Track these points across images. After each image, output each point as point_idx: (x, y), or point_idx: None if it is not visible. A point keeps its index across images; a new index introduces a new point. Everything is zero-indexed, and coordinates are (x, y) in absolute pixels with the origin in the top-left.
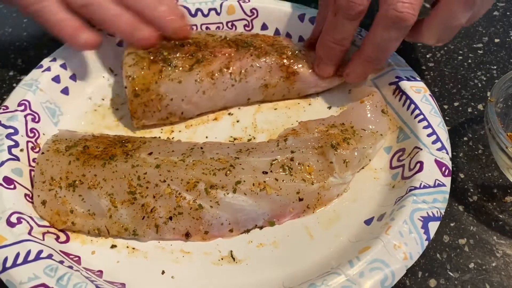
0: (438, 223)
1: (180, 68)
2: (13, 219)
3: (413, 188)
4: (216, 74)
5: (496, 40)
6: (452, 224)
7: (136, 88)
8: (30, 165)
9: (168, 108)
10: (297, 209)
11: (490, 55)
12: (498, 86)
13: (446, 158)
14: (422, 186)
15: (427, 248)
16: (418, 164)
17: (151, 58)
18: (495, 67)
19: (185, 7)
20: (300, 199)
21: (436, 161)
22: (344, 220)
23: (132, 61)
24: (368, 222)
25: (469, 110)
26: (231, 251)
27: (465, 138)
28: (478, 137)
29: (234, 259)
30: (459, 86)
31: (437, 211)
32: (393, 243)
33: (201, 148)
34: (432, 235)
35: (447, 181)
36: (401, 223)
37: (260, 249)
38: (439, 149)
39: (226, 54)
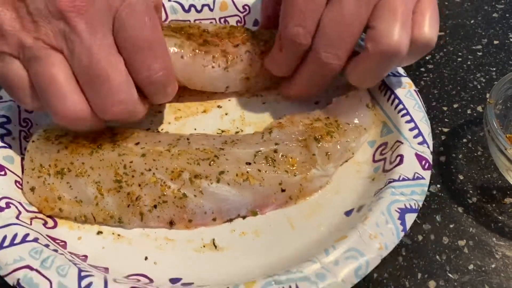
0: (415, 214)
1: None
2: (2, 203)
3: (392, 180)
4: (197, 51)
5: (495, 42)
6: (451, 226)
7: None
8: (21, 153)
9: None
10: (279, 200)
11: (489, 57)
12: (497, 88)
13: (426, 152)
14: (401, 179)
15: (426, 249)
16: (399, 158)
17: None
18: (494, 69)
19: (178, 2)
20: (283, 190)
21: (416, 154)
22: (326, 211)
23: None
24: (348, 213)
25: (468, 112)
26: (213, 239)
27: (464, 140)
28: (477, 139)
29: (216, 247)
30: (458, 88)
31: (414, 203)
32: (369, 233)
33: (187, 139)
34: (408, 226)
35: (427, 174)
36: (378, 214)
37: (242, 237)
38: (420, 143)
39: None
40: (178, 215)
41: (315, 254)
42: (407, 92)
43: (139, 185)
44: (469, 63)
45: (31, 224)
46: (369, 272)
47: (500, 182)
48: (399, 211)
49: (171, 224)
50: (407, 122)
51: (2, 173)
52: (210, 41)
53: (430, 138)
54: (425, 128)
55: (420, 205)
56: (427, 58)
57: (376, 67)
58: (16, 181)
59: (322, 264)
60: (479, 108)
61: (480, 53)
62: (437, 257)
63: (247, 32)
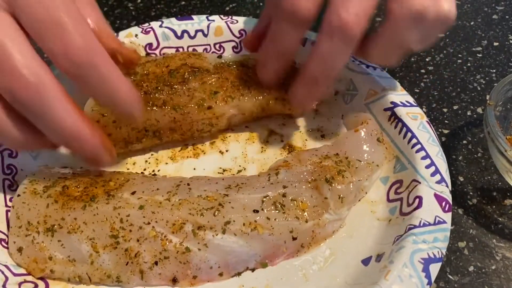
0: (439, 264)
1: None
2: None
3: (412, 226)
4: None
5: (495, 44)
6: (451, 227)
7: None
8: (6, 205)
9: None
10: (290, 249)
11: (489, 59)
12: (497, 89)
13: (446, 192)
14: (422, 224)
15: None
16: (417, 200)
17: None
18: (494, 70)
19: (170, 29)
20: (294, 238)
21: (435, 195)
22: (340, 259)
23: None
24: (365, 262)
25: (468, 113)
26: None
27: (465, 141)
28: (478, 140)
29: None
30: (458, 89)
31: (438, 252)
32: None
33: (188, 184)
34: (433, 278)
35: (448, 217)
36: (401, 266)
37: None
38: (438, 182)
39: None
40: (181, 271)
41: None
42: (419, 124)
43: (138, 240)
44: (469, 64)
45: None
46: None
47: (500, 183)
48: (423, 261)
49: (174, 281)
50: (423, 158)
51: None
52: (214, 84)
53: (448, 176)
54: (442, 164)
55: (444, 253)
56: (427, 59)
57: (403, 35)
58: (1, 239)
59: None
60: (479, 110)
61: (480, 55)
62: None
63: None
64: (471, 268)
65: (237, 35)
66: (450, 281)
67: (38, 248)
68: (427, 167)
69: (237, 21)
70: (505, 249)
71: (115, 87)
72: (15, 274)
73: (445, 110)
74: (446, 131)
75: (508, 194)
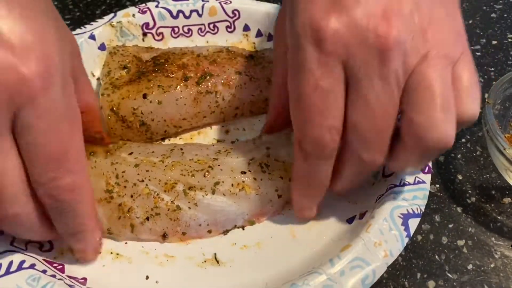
0: (418, 219)
1: (161, 89)
2: None
3: (393, 186)
4: (198, 94)
5: (494, 42)
6: (450, 226)
7: (114, 111)
8: None
9: (149, 128)
10: (276, 206)
11: (487, 57)
12: (496, 88)
13: None
14: (402, 184)
15: (425, 249)
16: None
17: (130, 78)
18: (492, 69)
19: (166, 8)
20: (279, 196)
21: None
22: (327, 219)
23: (109, 80)
24: (350, 220)
25: None
26: (215, 254)
27: (463, 140)
28: (476, 139)
29: (218, 261)
30: None
31: (417, 208)
32: (374, 241)
33: (181, 149)
34: (412, 231)
35: (427, 178)
36: (381, 220)
37: (244, 250)
38: None
39: (209, 72)
40: (171, 228)
41: (320, 265)
42: None
43: (131, 196)
44: None
45: (26, 249)
46: (376, 280)
47: (499, 182)
48: (402, 216)
49: (163, 237)
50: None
51: None
52: (209, 71)
53: None
54: None
55: (423, 210)
56: None
57: (419, 159)
58: None
59: (328, 276)
60: None
61: (479, 53)
62: (436, 257)
63: (249, 58)
64: (470, 267)
65: (231, 15)
66: (449, 279)
67: None
68: None
69: (230, 2)
70: (504, 247)
71: (84, 227)
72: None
73: None
74: None
75: (507, 192)
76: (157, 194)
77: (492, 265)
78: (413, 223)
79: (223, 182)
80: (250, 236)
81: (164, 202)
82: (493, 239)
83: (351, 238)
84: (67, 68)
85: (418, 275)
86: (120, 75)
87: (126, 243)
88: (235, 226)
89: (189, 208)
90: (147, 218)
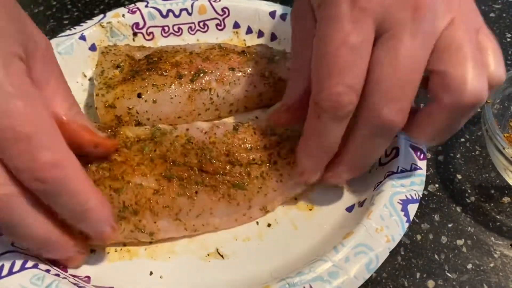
0: (416, 205)
1: (155, 87)
2: None
3: (390, 173)
4: (193, 92)
5: None
6: (450, 225)
7: (109, 111)
8: None
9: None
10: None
11: None
12: (495, 88)
13: None
14: (399, 171)
15: (425, 249)
16: (394, 150)
17: (124, 77)
18: None
19: (156, 8)
20: None
21: (411, 146)
22: (326, 209)
23: (103, 80)
24: (349, 209)
25: None
26: (217, 248)
27: (463, 139)
28: (475, 138)
29: (221, 255)
30: None
31: (415, 194)
32: (375, 227)
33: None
34: (411, 217)
35: (423, 164)
36: (382, 207)
37: (247, 243)
38: None
39: (202, 69)
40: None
41: (324, 253)
42: None
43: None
44: None
45: (27, 249)
46: (379, 265)
47: (498, 181)
48: (401, 202)
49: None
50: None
51: None
52: (202, 68)
53: None
54: None
55: (421, 195)
56: None
57: (452, 121)
58: None
59: (333, 262)
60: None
61: None
62: (436, 256)
63: (241, 53)
64: (469, 266)
65: (220, 13)
66: (449, 279)
67: None
68: None
69: (219, 0)
70: (503, 246)
71: (85, 205)
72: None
73: None
74: None
75: (506, 192)
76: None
77: (491, 265)
78: (412, 208)
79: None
80: (252, 229)
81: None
82: (492, 238)
83: (353, 226)
84: (11, 51)
85: (418, 274)
86: (113, 74)
87: (124, 244)
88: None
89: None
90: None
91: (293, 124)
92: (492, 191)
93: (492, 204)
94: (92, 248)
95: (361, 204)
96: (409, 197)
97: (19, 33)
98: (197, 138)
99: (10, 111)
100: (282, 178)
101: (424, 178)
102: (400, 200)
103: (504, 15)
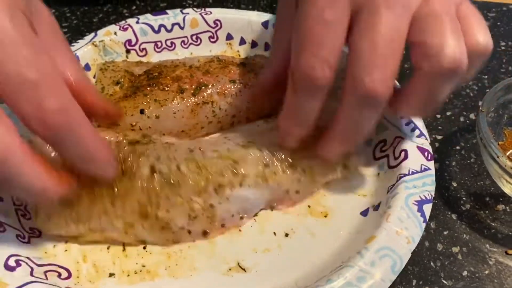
0: (430, 204)
1: (158, 103)
2: (11, 262)
3: (402, 175)
4: (197, 107)
5: None
6: (445, 233)
7: (112, 128)
8: (14, 204)
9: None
10: (294, 197)
11: None
12: (490, 96)
13: (426, 143)
14: (410, 173)
15: (421, 256)
16: (403, 152)
17: (125, 93)
18: (486, 76)
19: (147, 24)
20: (297, 192)
21: (418, 147)
22: (341, 214)
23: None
24: (364, 213)
25: (461, 119)
26: (238, 262)
27: (458, 147)
28: (470, 146)
29: (243, 268)
30: (452, 95)
31: (428, 194)
32: (395, 229)
33: (200, 148)
34: (427, 216)
35: (431, 164)
36: (399, 209)
37: (266, 254)
38: (418, 136)
39: (203, 82)
40: (209, 225)
41: (350, 259)
42: None
43: (168, 211)
44: None
45: (47, 278)
46: (403, 267)
47: (492, 189)
48: (417, 203)
49: (204, 234)
50: (401, 117)
51: (1, 229)
52: (203, 82)
53: (425, 130)
54: (418, 121)
55: (433, 195)
56: None
57: (436, 89)
58: (17, 235)
59: (360, 267)
60: (472, 116)
61: None
62: (432, 263)
63: (240, 65)
64: (464, 273)
65: (212, 25)
66: (444, 286)
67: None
68: (407, 124)
69: (211, 12)
70: (498, 254)
71: (91, 150)
72: (38, 265)
73: (438, 116)
74: (439, 137)
75: (501, 199)
76: (191, 199)
77: (486, 272)
78: (427, 208)
79: (248, 174)
80: (270, 240)
81: (199, 205)
82: (487, 245)
83: (371, 230)
84: (18, 5)
85: (414, 282)
86: (114, 90)
87: (144, 265)
88: (260, 209)
89: (220, 203)
90: (186, 224)
91: (271, 102)
92: (487, 199)
93: (487, 212)
94: (111, 272)
95: (375, 207)
96: (423, 198)
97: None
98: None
99: (17, 58)
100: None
101: (434, 178)
102: (415, 201)
103: (498, 23)
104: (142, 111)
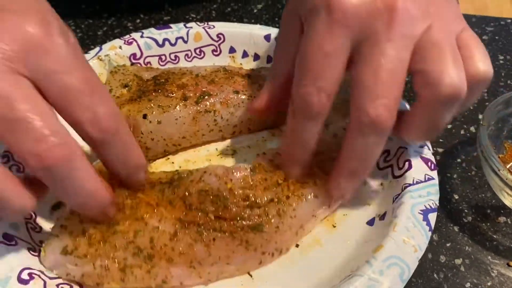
0: (435, 213)
1: (161, 108)
2: (25, 275)
3: (407, 185)
4: (199, 115)
5: None
6: (448, 245)
7: None
8: (25, 218)
9: (149, 148)
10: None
11: None
12: (490, 110)
13: (429, 153)
14: (415, 182)
15: (424, 268)
16: (407, 163)
17: (131, 96)
18: (485, 90)
19: (152, 38)
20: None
21: (421, 157)
22: (347, 224)
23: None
24: (370, 223)
25: (462, 132)
26: (249, 272)
27: (459, 160)
28: (471, 159)
29: (250, 275)
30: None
31: (432, 203)
32: (402, 238)
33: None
34: (433, 225)
35: (435, 174)
36: (405, 218)
37: (276, 264)
38: (421, 146)
39: (207, 91)
40: None
41: (359, 268)
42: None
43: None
44: None
45: None
46: (411, 275)
47: (493, 201)
48: (422, 212)
49: None
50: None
51: (13, 243)
52: (207, 91)
53: (428, 140)
54: None
55: (437, 204)
56: None
57: (436, 116)
58: (29, 249)
59: (369, 276)
60: (472, 129)
61: None
62: (435, 275)
63: (246, 76)
64: (467, 285)
65: (216, 39)
66: None
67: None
68: None
69: (214, 26)
70: (500, 266)
71: (134, 154)
72: (51, 278)
73: None
74: (440, 150)
75: (502, 211)
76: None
77: (489, 283)
78: (432, 217)
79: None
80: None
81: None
82: (489, 257)
83: (378, 239)
84: (62, 25)
85: None
86: (121, 93)
87: None
88: None
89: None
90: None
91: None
92: (488, 211)
93: (488, 224)
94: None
95: (381, 217)
96: (428, 207)
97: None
98: (212, 185)
99: (75, 68)
100: (296, 213)
101: (438, 187)
102: (421, 210)
103: (497, 37)
104: (145, 116)
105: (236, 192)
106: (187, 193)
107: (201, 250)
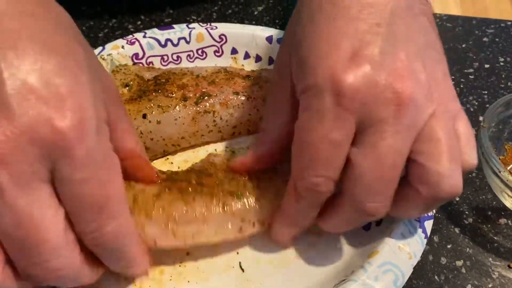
0: (432, 221)
1: (160, 108)
2: None
3: None
4: (196, 114)
5: (486, 66)
6: (449, 246)
7: None
8: None
9: (148, 148)
10: None
11: (481, 80)
12: (491, 112)
13: None
14: None
15: (425, 270)
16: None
17: (131, 96)
18: (486, 92)
19: (154, 38)
20: None
21: None
22: None
23: None
24: (366, 228)
25: None
26: (239, 262)
27: None
28: None
29: (242, 269)
30: None
31: None
32: (398, 245)
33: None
34: (428, 233)
35: None
36: (401, 225)
37: (270, 268)
38: None
39: (207, 92)
40: None
41: (353, 273)
42: None
43: None
44: (462, 86)
45: None
46: (405, 281)
47: (494, 203)
48: (419, 219)
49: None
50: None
51: None
52: (207, 91)
53: None
54: None
55: (434, 211)
56: None
57: (428, 207)
58: None
59: (363, 282)
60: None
61: (472, 77)
62: (436, 277)
63: (246, 78)
64: (468, 287)
65: (218, 39)
66: None
67: None
68: None
69: (216, 27)
70: (501, 267)
71: (132, 262)
72: None
73: None
74: None
75: (503, 213)
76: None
77: (490, 285)
78: (428, 225)
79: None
80: (274, 254)
81: None
82: (490, 259)
83: (373, 244)
84: (102, 116)
85: None
86: (122, 92)
87: None
88: None
89: None
90: None
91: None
92: (489, 213)
93: (489, 225)
94: None
95: (378, 223)
96: (425, 214)
97: (102, 87)
98: (198, 164)
99: (96, 181)
100: (279, 193)
101: None
102: (417, 217)
103: (497, 39)
104: (144, 116)
105: (218, 167)
106: (174, 175)
107: (179, 207)
